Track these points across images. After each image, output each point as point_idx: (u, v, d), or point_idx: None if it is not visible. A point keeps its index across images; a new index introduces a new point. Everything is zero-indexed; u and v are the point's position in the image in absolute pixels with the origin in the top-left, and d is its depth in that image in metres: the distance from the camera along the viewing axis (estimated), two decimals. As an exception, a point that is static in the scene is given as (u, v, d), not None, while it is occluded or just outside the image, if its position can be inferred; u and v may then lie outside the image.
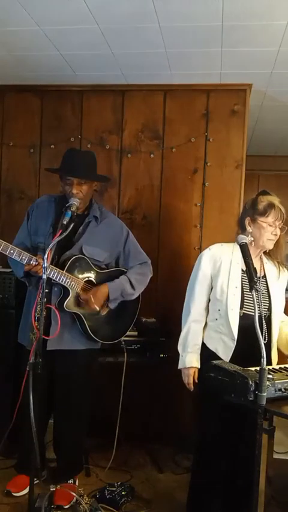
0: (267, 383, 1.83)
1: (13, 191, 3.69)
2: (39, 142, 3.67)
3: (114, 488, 2.72)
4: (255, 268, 2.22)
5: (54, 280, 2.54)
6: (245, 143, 3.50)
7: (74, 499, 2.53)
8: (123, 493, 2.70)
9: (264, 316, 2.39)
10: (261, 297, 2.40)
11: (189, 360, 2.42)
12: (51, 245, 2.28)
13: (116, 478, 2.90)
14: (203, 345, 2.44)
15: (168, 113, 3.56)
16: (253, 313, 2.06)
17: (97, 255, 2.76)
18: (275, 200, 2.41)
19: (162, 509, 2.68)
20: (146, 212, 3.59)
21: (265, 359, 1.80)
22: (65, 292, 2.61)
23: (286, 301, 2.57)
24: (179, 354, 2.47)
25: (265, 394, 1.80)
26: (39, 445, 2.43)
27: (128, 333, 2.96)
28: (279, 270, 2.52)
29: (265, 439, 1.93)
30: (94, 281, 2.74)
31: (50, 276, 2.49)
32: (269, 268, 2.50)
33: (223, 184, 3.51)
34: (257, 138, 4.84)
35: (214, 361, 2.12)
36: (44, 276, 2.22)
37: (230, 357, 2.32)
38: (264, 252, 2.51)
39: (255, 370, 1.95)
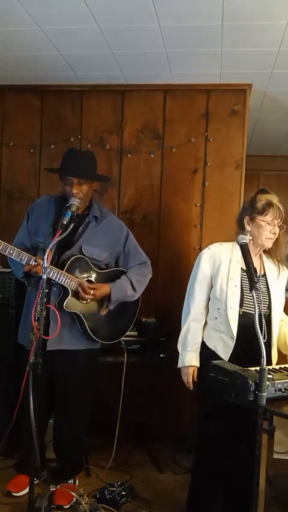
0: (267, 383, 1.83)
1: (13, 191, 3.69)
2: (39, 142, 3.67)
3: (114, 488, 2.72)
4: (255, 269, 2.22)
5: (53, 280, 2.54)
6: (245, 143, 3.50)
7: (74, 499, 2.53)
8: (123, 493, 2.70)
9: (264, 314, 2.39)
10: (261, 295, 2.41)
11: (189, 358, 2.42)
12: (51, 245, 2.28)
13: (116, 478, 2.90)
14: (203, 343, 2.44)
15: (168, 113, 3.56)
16: (253, 312, 2.06)
17: (97, 255, 2.76)
18: (274, 199, 2.41)
19: (162, 509, 2.68)
20: (146, 212, 3.59)
21: (265, 359, 1.80)
22: (64, 292, 2.61)
23: (286, 300, 2.57)
24: (178, 353, 2.47)
25: (265, 394, 1.80)
26: (39, 445, 2.43)
27: (128, 333, 2.96)
28: (279, 269, 2.52)
29: (265, 439, 1.93)
30: (94, 281, 2.74)
31: (50, 276, 2.49)
32: (268, 267, 2.50)
33: (223, 184, 3.51)
34: (257, 138, 4.84)
35: (214, 361, 2.12)
36: (44, 276, 2.22)
37: (229, 356, 2.32)
38: (264, 251, 2.51)
39: (255, 370, 1.95)
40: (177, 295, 2.74)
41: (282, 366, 2.17)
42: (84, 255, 2.70)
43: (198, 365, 2.42)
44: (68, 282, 2.59)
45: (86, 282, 2.66)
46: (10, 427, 2.77)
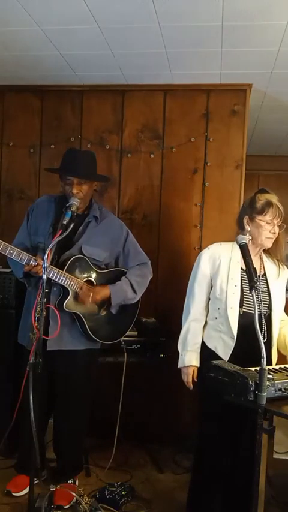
0: (267, 383, 1.83)
1: (13, 191, 3.69)
2: (39, 142, 3.67)
3: (114, 488, 2.72)
4: (255, 269, 2.22)
5: (53, 280, 2.54)
6: (245, 143, 3.50)
7: (74, 499, 2.53)
8: (123, 493, 2.70)
9: (264, 314, 2.39)
10: (261, 295, 2.40)
11: (189, 358, 2.43)
12: (51, 245, 2.28)
13: (116, 478, 2.90)
14: (203, 343, 2.44)
15: (168, 113, 3.56)
16: (253, 312, 2.06)
17: (97, 255, 2.76)
18: (273, 198, 2.41)
19: (162, 509, 2.68)
20: (146, 212, 3.59)
21: (265, 359, 1.80)
22: (64, 292, 2.61)
23: (286, 300, 2.57)
24: (178, 353, 2.47)
25: (265, 394, 1.80)
26: (39, 445, 2.42)
27: (128, 333, 2.96)
28: (279, 268, 2.52)
29: (265, 439, 1.92)
30: (94, 281, 2.74)
31: (50, 276, 2.49)
32: (268, 267, 2.50)
33: (223, 184, 3.51)
34: (257, 138, 4.84)
35: (214, 361, 2.12)
36: (44, 276, 2.22)
37: (229, 356, 2.32)
38: (264, 250, 2.51)
39: (255, 370, 1.95)
40: (177, 295, 2.74)
41: (282, 366, 2.17)
42: (84, 255, 2.70)
43: (198, 365, 2.42)
44: (68, 282, 2.58)
45: (86, 287, 2.65)
46: (10, 427, 2.76)
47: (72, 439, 2.84)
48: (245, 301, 2.36)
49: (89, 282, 2.72)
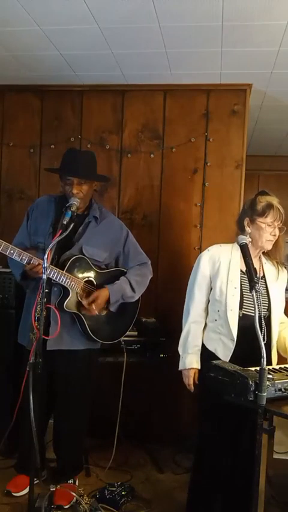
0: (267, 383, 1.83)
1: (13, 191, 3.69)
2: (39, 143, 3.67)
3: (114, 488, 2.72)
4: (255, 269, 2.22)
5: (54, 280, 2.54)
6: (245, 143, 3.50)
7: (74, 499, 2.53)
8: (123, 493, 2.70)
9: (264, 316, 2.39)
10: (261, 297, 2.40)
11: (190, 361, 2.42)
12: (51, 245, 2.28)
13: (116, 478, 2.90)
14: (203, 345, 2.44)
15: (168, 113, 3.56)
16: (253, 314, 2.06)
17: (97, 255, 2.76)
18: (274, 200, 2.41)
19: (162, 509, 2.68)
20: (146, 212, 3.59)
21: (265, 359, 1.80)
22: (64, 292, 2.61)
23: (286, 302, 2.57)
24: (179, 355, 2.47)
25: (265, 394, 1.80)
26: (39, 445, 2.43)
27: (128, 333, 2.96)
28: (278, 271, 2.52)
29: (265, 439, 1.93)
30: (94, 281, 2.74)
31: (50, 276, 2.49)
32: (268, 269, 2.50)
33: (223, 184, 3.51)
34: (257, 138, 4.84)
35: (214, 361, 2.12)
36: (44, 276, 2.22)
37: (229, 358, 2.32)
38: (263, 253, 2.51)
39: (255, 370, 1.95)
40: (177, 295, 2.74)
41: (282, 366, 2.17)
42: (84, 255, 2.70)
43: (199, 367, 2.42)
44: (68, 282, 2.58)
45: (85, 301, 2.65)
46: (10, 427, 2.77)
47: (72, 439, 2.84)
48: (244, 303, 2.35)
49: (89, 282, 2.72)
